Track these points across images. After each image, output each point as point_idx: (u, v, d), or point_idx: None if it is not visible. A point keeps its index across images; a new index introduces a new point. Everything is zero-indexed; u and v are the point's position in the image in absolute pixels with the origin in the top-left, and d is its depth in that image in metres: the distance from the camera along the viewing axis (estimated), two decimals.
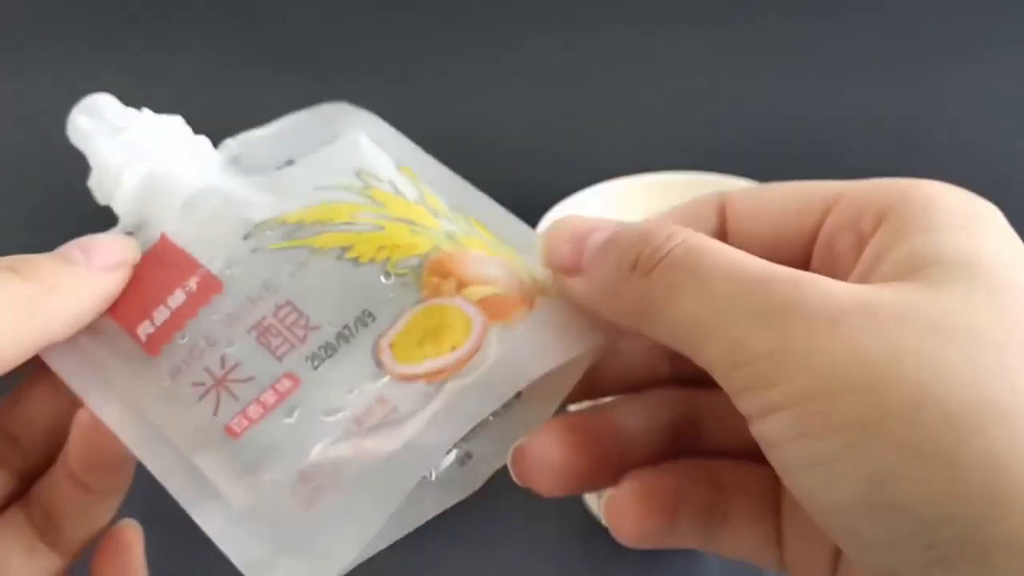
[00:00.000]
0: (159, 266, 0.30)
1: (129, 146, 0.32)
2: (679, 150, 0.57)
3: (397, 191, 0.32)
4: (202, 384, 0.29)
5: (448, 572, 0.47)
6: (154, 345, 0.29)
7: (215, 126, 0.65)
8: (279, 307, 0.29)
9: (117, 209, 0.32)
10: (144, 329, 0.29)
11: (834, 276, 0.24)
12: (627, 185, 0.49)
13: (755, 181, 0.48)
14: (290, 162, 0.32)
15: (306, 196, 0.31)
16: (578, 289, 0.28)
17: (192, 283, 0.30)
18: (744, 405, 0.23)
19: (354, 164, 0.32)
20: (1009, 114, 0.65)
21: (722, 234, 0.29)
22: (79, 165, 0.62)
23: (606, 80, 0.67)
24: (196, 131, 0.33)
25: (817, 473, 0.22)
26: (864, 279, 0.25)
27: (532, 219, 0.47)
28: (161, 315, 0.30)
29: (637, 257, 0.26)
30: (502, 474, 0.50)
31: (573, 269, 0.28)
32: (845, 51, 0.69)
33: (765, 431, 0.23)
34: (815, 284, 0.23)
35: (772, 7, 0.69)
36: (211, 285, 0.30)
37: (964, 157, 0.63)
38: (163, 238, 0.31)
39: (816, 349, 0.22)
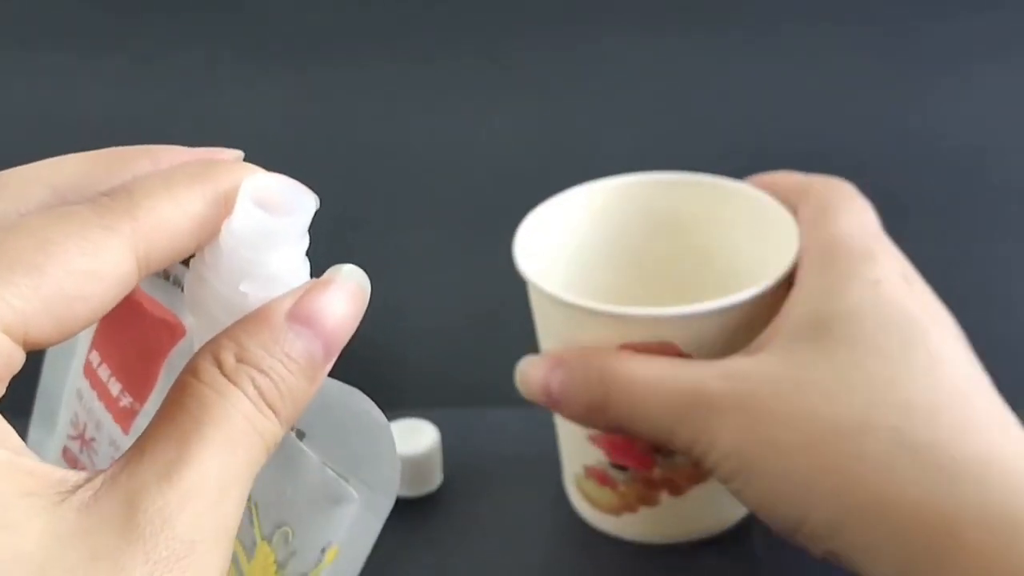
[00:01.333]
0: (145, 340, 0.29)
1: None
2: (667, 152, 0.57)
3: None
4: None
5: (436, 571, 0.48)
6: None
7: (214, 123, 0.65)
8: None
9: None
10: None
11: None
12: (611, 186, 0.49)
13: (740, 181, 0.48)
14: (300, 433, 0.28)
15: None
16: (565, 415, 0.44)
17: (126, 401, 0.30)
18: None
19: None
20: (1011, 120, 0.65)
21: None
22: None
23: (601, 81, 0.67)
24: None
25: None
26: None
27: (518, 215, 0.47)
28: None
29: (589, 403, 0.42)
30: (490, 476, 0.51)
31: (552, 406, 0.44)
32: (842, 53, 0.68)
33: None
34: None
35: (769, 9, 0.69)
36: (127, 414, 0.29)
37: (965, 161, 0.64)
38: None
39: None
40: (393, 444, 0.28)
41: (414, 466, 0.49)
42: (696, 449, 0.39)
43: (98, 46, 0.68)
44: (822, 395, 0.37)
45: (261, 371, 0.25)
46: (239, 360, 0.25)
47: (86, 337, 0.31)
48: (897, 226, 0.45)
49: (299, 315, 0.26)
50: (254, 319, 0.26)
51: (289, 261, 0.26)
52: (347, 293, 0.26)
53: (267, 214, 0.25)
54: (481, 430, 0.53)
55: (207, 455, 0.23)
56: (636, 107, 0.66)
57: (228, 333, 0.26)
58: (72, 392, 0.32)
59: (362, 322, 0.27)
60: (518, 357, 0.45)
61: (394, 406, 0.44)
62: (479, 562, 0.48)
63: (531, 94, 0.66)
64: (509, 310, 0.49)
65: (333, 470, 0.28)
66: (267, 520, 0.29)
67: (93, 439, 0.31)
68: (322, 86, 0.68)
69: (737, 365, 0.39)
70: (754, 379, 0.38)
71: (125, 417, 0.30)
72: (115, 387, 0.30)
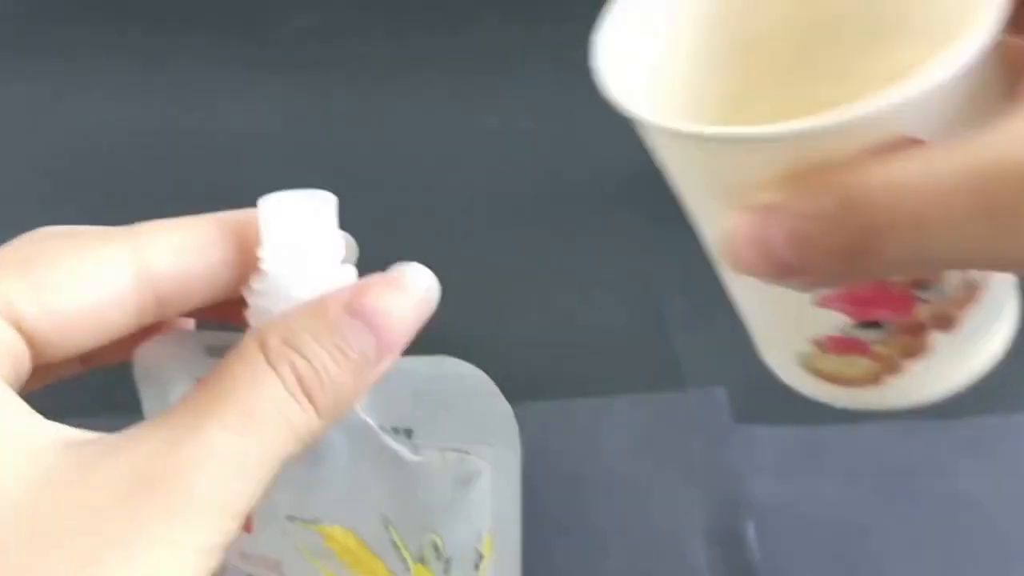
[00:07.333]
0: None
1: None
2: None
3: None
4: None
5: None
6: None
7: (218, 123, 0.65)
8: None
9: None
10: None
11: None
12: None
13: None
14: (408, 432, 0.27)
15: (363, 518, 0.28)
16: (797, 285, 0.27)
17: None
18: None
19: (440, 522, 0.28)
20: None
21: None
22: (73, 163, 0.62)
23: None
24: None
25: None
26: None
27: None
28: None
29: (843, 249, 0.24)
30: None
31: (779, 274, 0.26)
32: None
33: None
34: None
35: None
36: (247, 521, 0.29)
37: None
38: None
39: None
40: (494, 389, 0.26)
41: None
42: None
43: (100, 53, 0.69)
44: None
45: (304, 357, 0.24)
46: (284, 343, 0.24)
47: None
48: None
49: (357, 309, 0.25)
50: (309, 306, 0.25)
51: (333, 258, 0.26)
52: (411, 294, 0.26)
53: (295, 207, 0.26)
54: None
55: (215, 433, 0.23)
56: None
57: (282, 317, 0.25)
58: None
59: None
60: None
61: None
62: None
63: (531, 95, 0.65)
64: None
65: (452, 449, 0.27)
66: (411, 539, 0.28)
67: None
68: (326, 87, 0.68)
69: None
70: None
71: None
72: None
